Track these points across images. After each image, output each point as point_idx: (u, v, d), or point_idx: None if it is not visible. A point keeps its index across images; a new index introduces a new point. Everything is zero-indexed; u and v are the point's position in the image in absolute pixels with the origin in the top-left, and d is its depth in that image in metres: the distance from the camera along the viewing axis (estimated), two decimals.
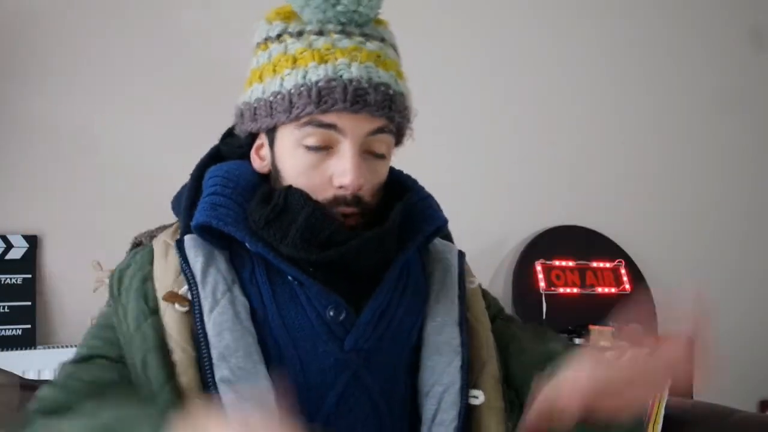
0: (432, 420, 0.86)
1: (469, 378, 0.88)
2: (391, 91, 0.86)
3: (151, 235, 0.97)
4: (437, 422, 0.85)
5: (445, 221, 0.95)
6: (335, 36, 0.86)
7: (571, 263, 2.64)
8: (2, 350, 1.96)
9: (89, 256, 1.93)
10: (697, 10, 3.00)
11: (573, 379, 0.74)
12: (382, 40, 0.90)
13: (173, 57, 2.23)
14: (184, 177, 0.99)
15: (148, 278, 0.88)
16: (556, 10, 2.79)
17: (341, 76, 0.83)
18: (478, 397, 0.88)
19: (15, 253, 2.08)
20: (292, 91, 0.84)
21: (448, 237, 1.04)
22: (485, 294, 1.01)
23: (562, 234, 2.68)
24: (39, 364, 1.93)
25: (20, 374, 1.54)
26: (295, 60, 0.86)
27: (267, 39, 0.90)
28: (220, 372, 0.80)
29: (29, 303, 2.07)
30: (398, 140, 0.93)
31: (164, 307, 0.85)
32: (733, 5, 3.05)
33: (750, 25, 3.06)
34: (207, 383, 0.80)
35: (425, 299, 0.93)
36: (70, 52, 2.18)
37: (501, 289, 2.61)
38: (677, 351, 0.76)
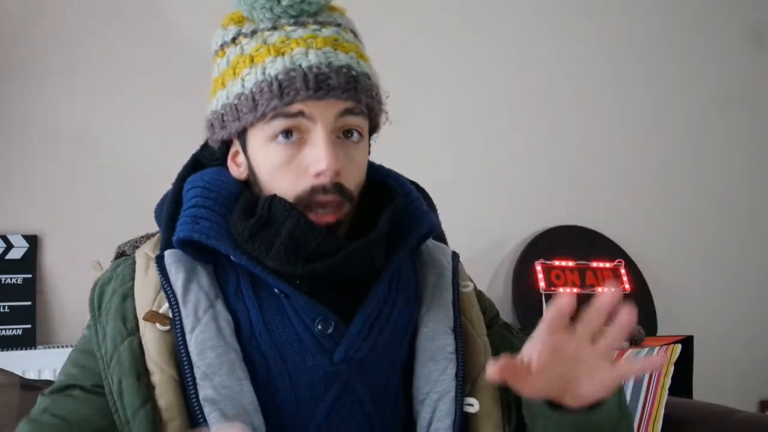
0: (427, 428, 0.85)
1: (465, 385, 0.87)
2: (354, 72, 0.84)
3: (135, 245, 0.96)
4: (432, 430, 0.84)
5: (435, 224, 0.94)
6: (289, 29, 0.85)
7: (570, 263, 2.64)
8: (2, 350, 1.96)
9: (89, 256, 1.93)
10: (696, 8, 2.99)
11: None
12: (338, 25, 0.88)
13: (173, 57, 2.23)
14: None
15: (128, 296, 0.86)
16: (555, 8, 2.78)
17: (300, 65, 0.82)
18: (473, 405, 0.86)
19: (15, 253, 2.08)
20: (254, 89, 0.83)
21: (441, 237, 1.01)
22: (481, 298, 0.99)
23: (562, 234, 2.68)
24: (39, 364, 1.93)
25: (20, 374, 1.54)
26: (252, 58, 0.85)
27: (223, 45, 0.90)
28: (204, 391, 0.79)
29: (29, 303, 2.07)
30: (373, 124, 0.91)
31: (144, 326, 0.84)
32: (733, 3, 3.05)
33: (750, 24, 3.05)
34: (191, 403, 0.79)
35: (418, 305, 0.91)
36: (70, 52, 2.18)
37: (501, 289, 2.61)
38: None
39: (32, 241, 2.10)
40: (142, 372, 0.81)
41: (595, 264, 2.67)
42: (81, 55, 2.18)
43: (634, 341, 2.34)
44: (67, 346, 1.99)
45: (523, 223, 2.67)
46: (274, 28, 0.86)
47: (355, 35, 0.90)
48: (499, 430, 0.88)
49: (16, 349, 1.97)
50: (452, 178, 2.52)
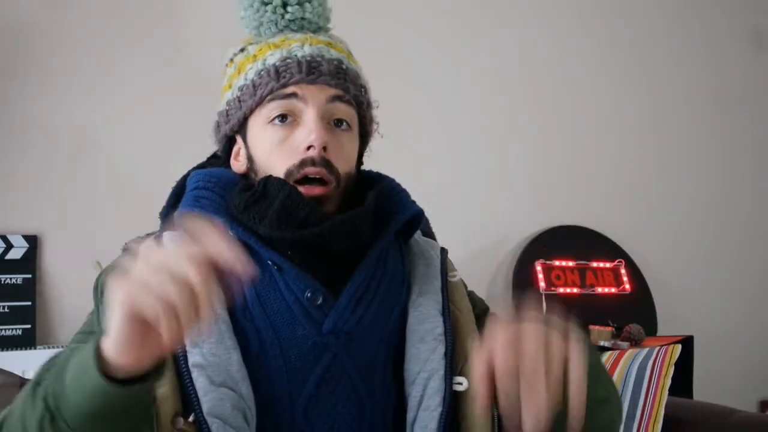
0: (417, 407, 0.88)
1: (454, 365, 0.90)
2: (343, 66, 0.94)
3: (140, 242, 0.98)
4: (423, 408, 0.87)
5: (421, 211, 0.98)
6: (289, 33, 0.97)
7: (571, 263, 2.64)
8: (2, 350, 1.96)
9: (89, 256, 1.92)
10: (697, 10, 3.00)
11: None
12: (330, 37, 0.99)
13: (173, 57, 2.23)
14: None
15: None
16: (556, 11, 2.79)
17: (295, 55, 0.93)
18: (462, 383, 0.89)
19: (15, 253, 2.08)
20: (255, 78, 0.93)
21: (430, 234, 1.05)
22: (471, 294, 1.02)
23: (561, 234, 2.68)
24: (39, 364, 1.92)
25: (20, 374, 1.54)
26: (255, 57, 0.95)
27: (233, 56, 0.99)
28: (193, 358, 0.83)
29: (29, 303, 2.07)
30: (362, 123, 0.97)
31: None
32: (734, 5, 3.06)
33: (750, 26, 3.06)
34: (181, 369, 0.82)
35: (407, 292, 0.94)
36: (70, 52, 2.18)
37: (501, 289, 2.61)
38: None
39: (32, 241, 2.10)
40: None
41: (595, 264, 2.67)
42: (81, 55, 2.19)
43: (634, 341, 2.34)
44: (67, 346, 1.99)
45: (523, 223, 2.67)
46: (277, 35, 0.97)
47: (348, 49, 1.00)
48: (487, 407, 0.89)
49: (16, 349, 1.97)
50: (453, 178, 2.53)
